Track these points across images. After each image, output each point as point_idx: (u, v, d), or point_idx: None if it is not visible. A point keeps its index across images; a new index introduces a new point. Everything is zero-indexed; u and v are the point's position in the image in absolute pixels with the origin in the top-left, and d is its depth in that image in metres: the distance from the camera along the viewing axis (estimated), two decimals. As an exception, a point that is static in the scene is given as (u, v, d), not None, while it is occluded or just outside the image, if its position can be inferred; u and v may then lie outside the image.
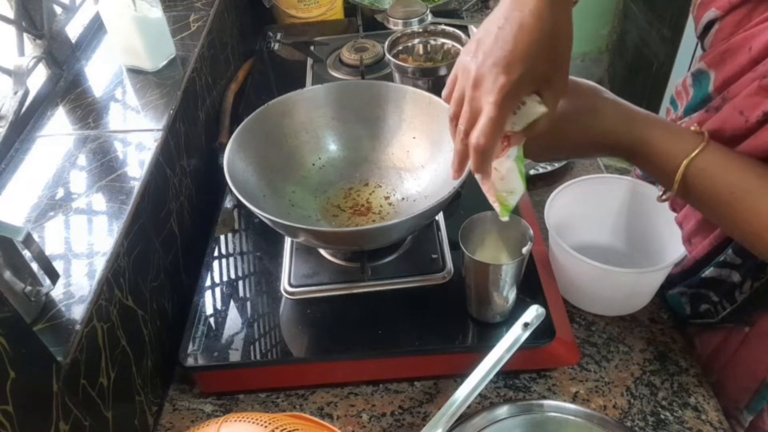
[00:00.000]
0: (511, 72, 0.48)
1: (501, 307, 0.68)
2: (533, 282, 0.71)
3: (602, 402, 0.68)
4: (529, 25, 0.48)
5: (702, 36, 0.64)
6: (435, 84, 0.93)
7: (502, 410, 0.64)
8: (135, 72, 0.87)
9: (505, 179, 0.55)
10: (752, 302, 0.65)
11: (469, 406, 0.61)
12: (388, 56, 0.94)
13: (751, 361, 0.67)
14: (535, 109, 0.52)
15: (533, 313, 0.65)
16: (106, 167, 0.72)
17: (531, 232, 0.64)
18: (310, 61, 1.11)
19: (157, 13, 0.86)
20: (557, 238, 0.71)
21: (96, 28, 0.95)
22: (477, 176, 0.54)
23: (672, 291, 0.75)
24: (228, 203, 0.86)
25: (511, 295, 0.67)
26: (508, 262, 0.63)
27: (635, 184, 0.76)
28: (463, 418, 0.62)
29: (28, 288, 0.54)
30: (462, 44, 0.96)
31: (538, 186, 0.95)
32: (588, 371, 0.71)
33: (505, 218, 0.56)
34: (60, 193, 0.68)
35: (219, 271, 0.77)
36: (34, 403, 0.49)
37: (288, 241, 0.78)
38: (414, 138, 0.82)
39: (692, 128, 0.57)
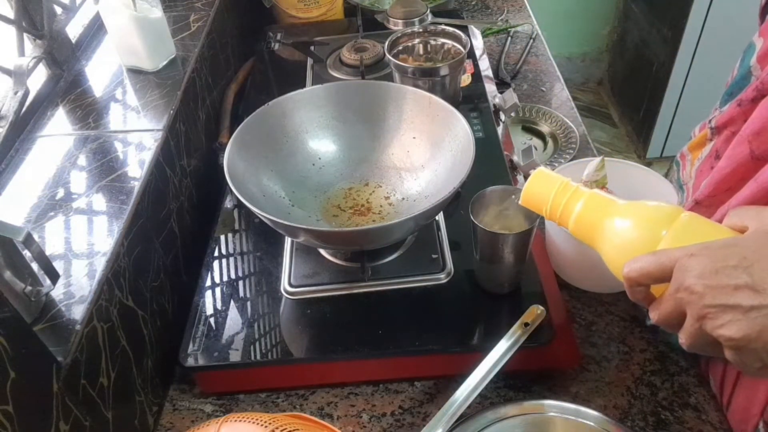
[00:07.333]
0: None
1: (508, 278, 0.70)
2: (533, 282, 0.71)
3: (602, 402, 0.68)
4: None
5: (766, 7, 0.59)
6: (435, 84, 0.93)
7: (502, 410, 0.64)
8: (135, 72, 0.88)
9: None
10: None
11: (469, 406, 0.61)
12: (388, 56, 0.94)
13: (750, 390, 0.61)
14: None
15: (533, 313, 0.65)
16: (106, 167, 0.72)
17: None
18: (310, 61, 1.11)
19: (157, 13, 0.86)
20: None
21: (96, 28, 0.95)
22: None
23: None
24: (228, 203, 0.86)
25: (519, 266, 0.69)
26: (519, 230, 0.65)
27: (628, 166, 0.78)
28: (463, 418, 0.62)
29: (28, 288, 0.54)
30: (462, 44, 0.96)
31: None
32: (588, 371, 0.71)
33: None
34: (60, 193, 0.68)
35: (219, 271, 0.77)
36: (34, 403, 0.49)
37: (288, 241, 0.78)
38: (414, 138, 0.82)
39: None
